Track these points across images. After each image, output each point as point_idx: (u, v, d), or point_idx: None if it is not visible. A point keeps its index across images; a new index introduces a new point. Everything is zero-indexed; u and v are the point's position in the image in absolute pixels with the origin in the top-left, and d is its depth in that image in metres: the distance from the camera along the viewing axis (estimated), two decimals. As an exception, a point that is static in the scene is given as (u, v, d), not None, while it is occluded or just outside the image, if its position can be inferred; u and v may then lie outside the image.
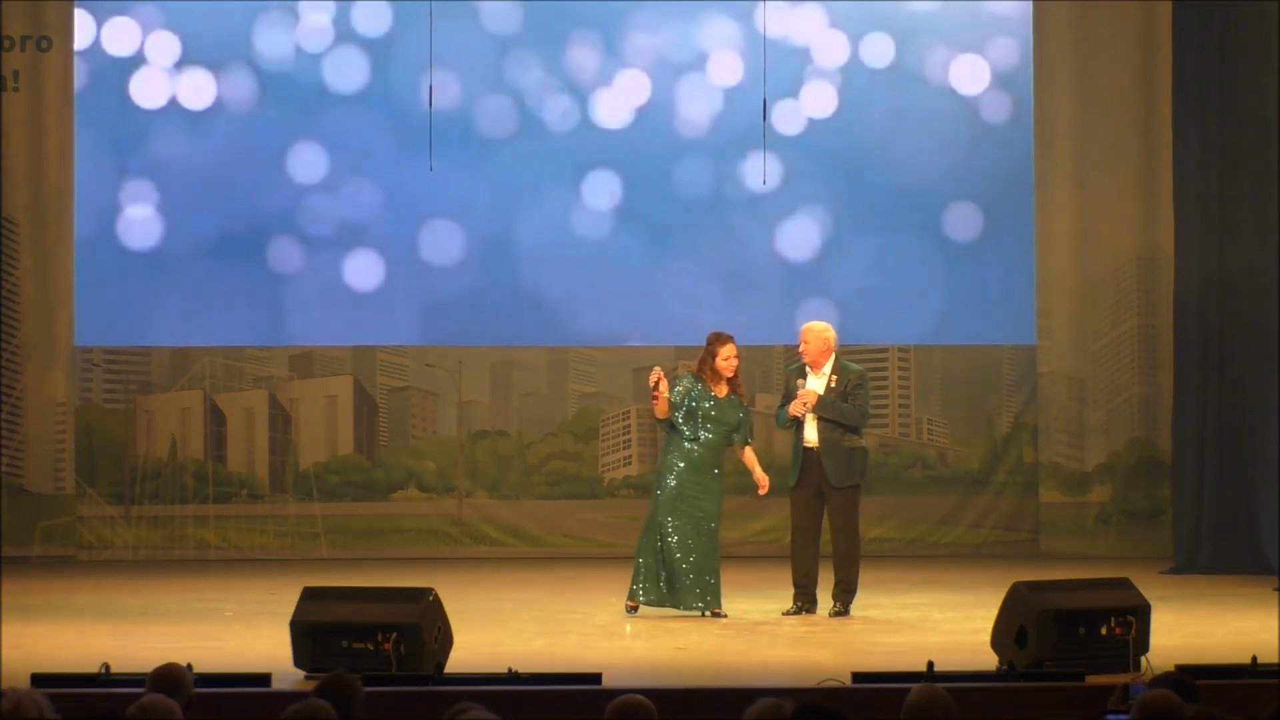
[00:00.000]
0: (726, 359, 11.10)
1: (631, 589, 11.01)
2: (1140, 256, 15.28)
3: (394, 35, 15.27)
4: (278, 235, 15.27)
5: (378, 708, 6.78)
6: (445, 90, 15.01)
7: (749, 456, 11.26)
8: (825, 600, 11.13)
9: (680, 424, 11.06)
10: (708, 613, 10.94)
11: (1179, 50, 14.26)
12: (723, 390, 11.10)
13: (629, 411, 15.45)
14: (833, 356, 11.21)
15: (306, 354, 15.40)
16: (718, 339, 11.22)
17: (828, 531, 11.25)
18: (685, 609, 10.93)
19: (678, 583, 10.92)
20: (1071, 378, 15.42)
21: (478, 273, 15.36)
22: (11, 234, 14.99)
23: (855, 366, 11.46)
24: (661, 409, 11.07)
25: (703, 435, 11.07)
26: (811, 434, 11.08)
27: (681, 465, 11.05)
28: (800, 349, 11.28)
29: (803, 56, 15.41)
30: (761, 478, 11.23)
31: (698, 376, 11.12)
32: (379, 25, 15.31)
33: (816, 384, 11.15)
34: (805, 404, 11.03)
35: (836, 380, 11.13)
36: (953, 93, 15.47)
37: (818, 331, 11.28)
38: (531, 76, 15.39)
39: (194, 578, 13.66)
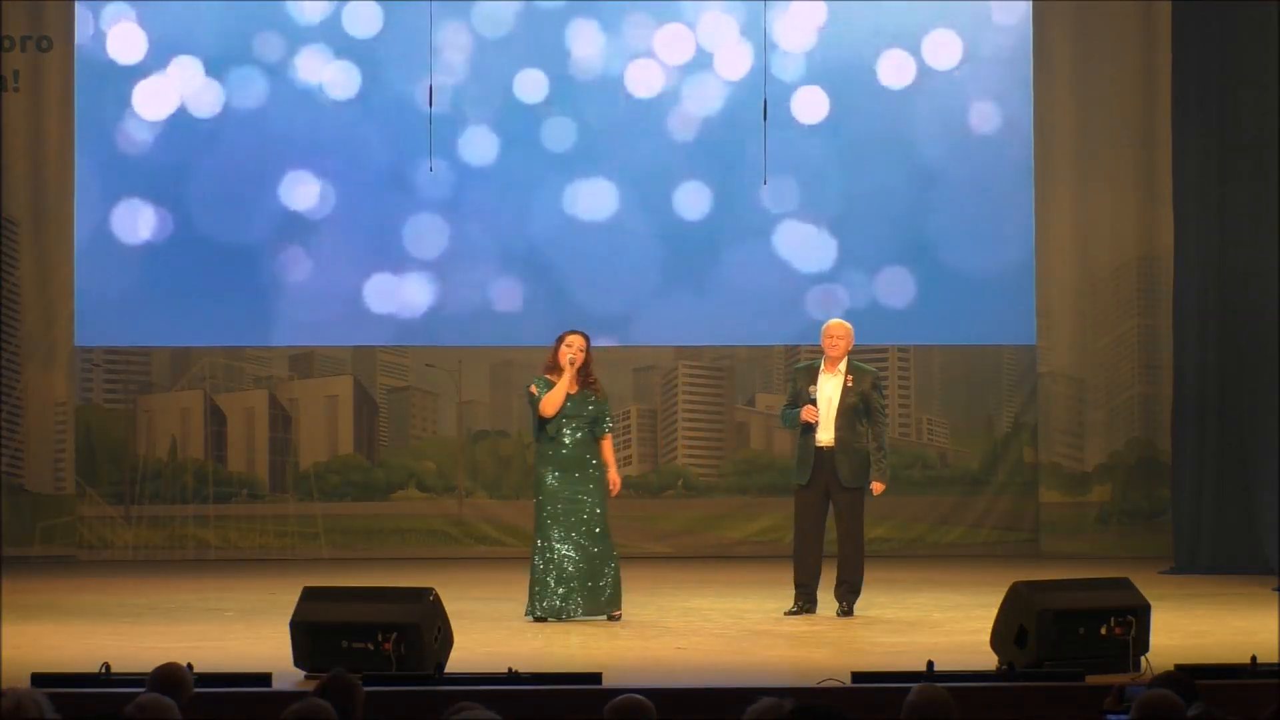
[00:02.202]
0: (569, 347, 11.02)
1: (528, 604, 10.92)
2: (1140, 256, 15.28)
3: (394, 37, 15.26)
4: (277, 236, 15.26)
5: (378, 708, 6.78)
6: (445, 92, 15.03)
7: (607, 451, 11.07)
8: (825, 600, 11.13)
9: (542, 427, 10.98)
10: (608, 616, 10.85)
11: (1179, 50, 14.25)
12: (573, 387, 11.05)
13: (629, 411, 15.45)
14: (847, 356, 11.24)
15: (306, 354, 15.39)
16: (563, 335, 11.17)
17: (829, 531, 11.25)
18: (590, 615, 10.80)
19: (581, 591, 10.84)
20: (1071, 378, 15.42)
21: (478, 273, 15.35)
22: (11, 234, 14.98)
23: (869, 368, 11.43)
24: (553, 405, 10.94)
25: (565, 436, 10.98)
26: (827, 434, 11.05)
27: (556, 473, 10.94)
28: (825, 344, 11.17)
29: (802, 56, 15.41)
30: (615, 478, 11.05)
31: (548, 378, 11.07)
32: (377, 27, 15.31)
33: (833, 383, 11.11)
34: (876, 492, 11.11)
35: (853, 380, 11.11)
36: (952, 92, 15.46)
37: (847, 327, 11.26)
38: (531, 78, 15.39)
39: (194, 578, 13.65)
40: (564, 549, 10.83)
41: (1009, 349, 15.56)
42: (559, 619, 10.75)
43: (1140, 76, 15.20)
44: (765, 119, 14.62)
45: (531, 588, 10.86)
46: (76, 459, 15.09)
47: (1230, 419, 13.96)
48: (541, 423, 10.98)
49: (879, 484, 11.11)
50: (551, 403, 10.94)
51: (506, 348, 15.45)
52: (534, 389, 11.03)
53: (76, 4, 15.09)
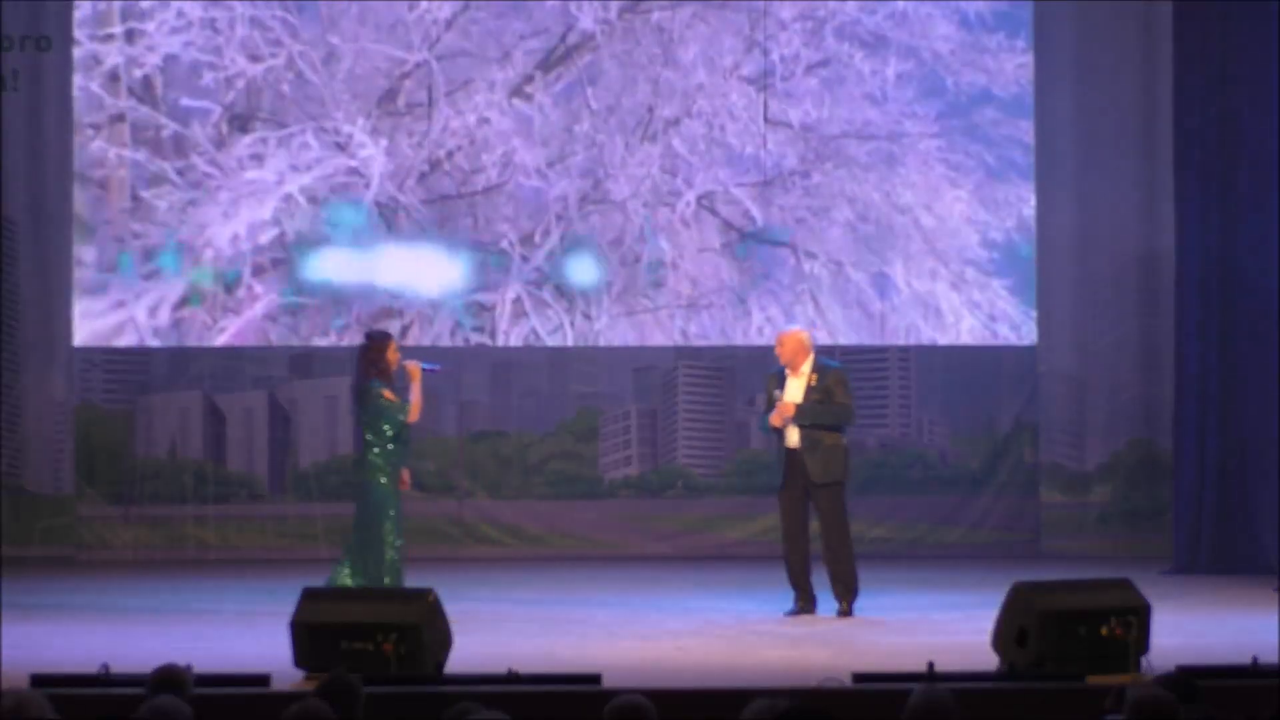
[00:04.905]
0: (397, 352, 11.12)
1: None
2: (1140, 256, 15.27)
3: (396, 40, 15.26)
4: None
5: (378, 708, 6.77)
6: (445, 96, 15.04)
7: None
8: (825, 600, 11.13)
9: (398, 434, 11.06)
10: None
11: (1179, 50, 14.25)
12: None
13: (629, 411, 15.45)
14: (811, 356, 11.26)
15: (306, 354, 15.38)
16: (385, 338, 11.22)
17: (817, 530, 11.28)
18: None
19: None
20: (1071, 378, 15.42)
21: (478, 273, 15.36)
22: (11, 234, 14.97)
23: (834, 364, 11.52)
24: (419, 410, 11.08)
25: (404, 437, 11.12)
26: (793, 436, 11.13)
27: (393, 475, 11.07)
28: (777, 352, 11.35)
29: (801, 53, 15.40)
30: (406, 475, 11.23)
31: (383, 382, 11.06)
32: (378, 32, 15.33)
33: (797, 385, 11.18)
34: (784, 416, 11.07)
35: (816, 379, 11.17)
36: (952, 91, 15.46)
37: (793, 334, 11.38)
38: (537, 101, 15.41)
39: (194, 578, 13.65)
40: (401, 546, 11.08)
41: (1009, 349, 15.54)
42: None
43: (1140, 76, 15.19)
44: (765, 117, 14.60)
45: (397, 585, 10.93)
46: (75, 459, 15.08)
47: (1230, 419, 13.96)
48: (399, 429, 10.98)
49: (791, 406, 11.07)
50: (418, 408, 11.04)
51: (506, 348, 15.44)
52: (390, 395, 11.04)
53: (76, 4, 15.08)
